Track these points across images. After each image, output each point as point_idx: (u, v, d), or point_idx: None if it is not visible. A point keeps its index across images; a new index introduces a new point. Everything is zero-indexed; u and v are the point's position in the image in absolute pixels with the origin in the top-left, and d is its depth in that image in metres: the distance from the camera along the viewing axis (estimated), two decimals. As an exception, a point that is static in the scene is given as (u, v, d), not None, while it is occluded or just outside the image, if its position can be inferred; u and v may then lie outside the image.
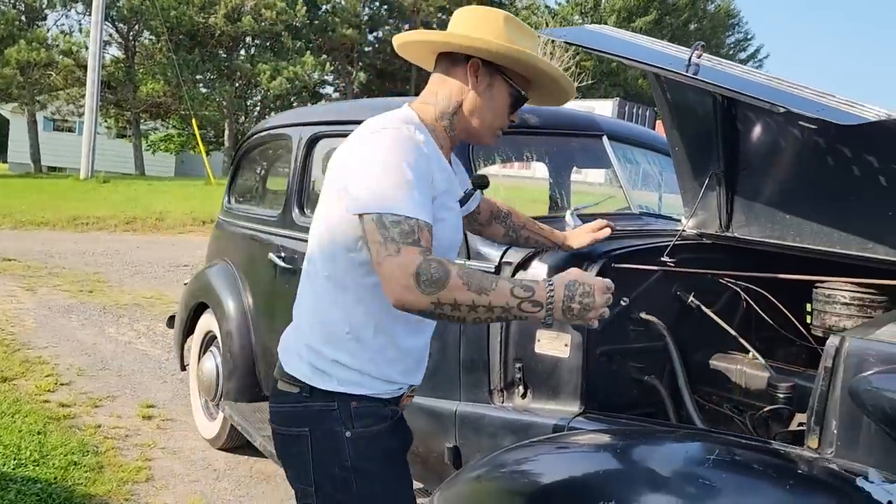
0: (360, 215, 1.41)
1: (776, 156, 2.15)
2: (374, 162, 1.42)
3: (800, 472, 1.44)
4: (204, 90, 25.47)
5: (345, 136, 3.06)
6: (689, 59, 1.94)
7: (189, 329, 3.96)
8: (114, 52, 24.94)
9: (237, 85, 25.34)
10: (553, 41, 17.82)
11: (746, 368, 2.19)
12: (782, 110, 1.68)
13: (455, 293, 1.34)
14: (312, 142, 3.09)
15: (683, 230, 2.37)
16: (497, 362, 2.25)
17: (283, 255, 3.10)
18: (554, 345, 2.15)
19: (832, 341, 1.67)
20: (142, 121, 25.87)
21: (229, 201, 3.91)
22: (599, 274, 2.09)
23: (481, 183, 1.73)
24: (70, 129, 27.74)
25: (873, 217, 1.95)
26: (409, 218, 1.38)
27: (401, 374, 1.61)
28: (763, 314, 2.26)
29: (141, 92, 23.87)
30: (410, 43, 1.66)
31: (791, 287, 2.24)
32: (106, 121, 25.82)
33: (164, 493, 3.20)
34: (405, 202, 1.38)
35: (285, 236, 3.14)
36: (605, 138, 2.75)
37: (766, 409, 2.01)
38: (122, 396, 4.44)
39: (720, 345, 2.33)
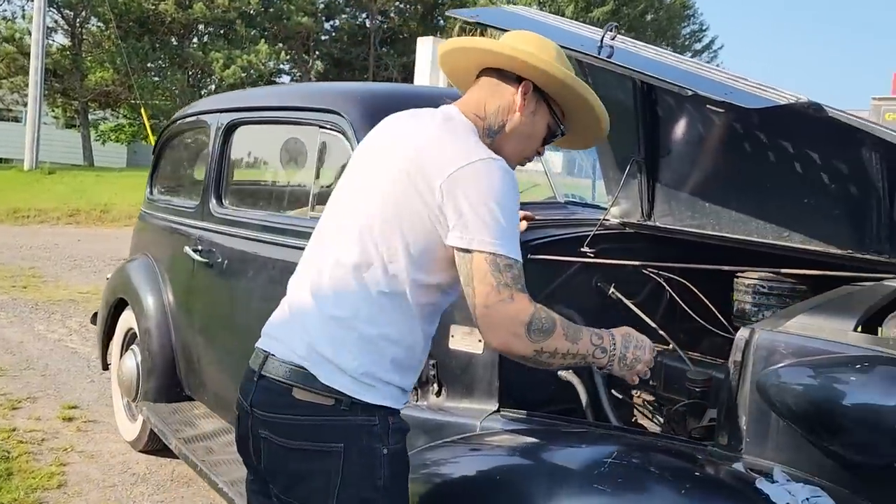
0: (467, 249, 1.34)
1: (696, 142, 2.09)
2: (493, 198, 1.35)
3: (697, 474, 1.37)
4: (156, 79, 24.79)
5: (263, 122, 2.99)
6: (601, 40, 1.85)
7: (111, 326, 3.79)
8: (60, 39, 24.11)
9: (189, 73, 24.74)
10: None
11: (667, 361, 2.12)
12: (690, 93, 1.60)
13: (557, 342, 1.37)
14: (230, 129, 2.94)
15: (605, 219, 2.30)
16: (411, 359, 2.15)
17: (200, 248, 2.95)
18: (468, 340, 2.06)
19: (741, 334, 1.61)
20: (91, 110, 25.06)
21: (151, 192, 3.74)
22: None
23: None
24: (16, 119, 26.75)
25: (789, 205, 1.90)
26: (517, 262, 1.36)
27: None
28: (685, 305, 2.20)
29: (89, 80, 23.07)
30: (463, 49, 1.57)
31: (717, 278, 2.19)
32: (53, 110, 24.96)
33: (75, 501, 3.04)
34: (516, 245, 1.37)
35: (203, 229, 2.99)
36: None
37: (681, 404, 1.94)
38: (44, 397, 4.24)
39: (644, 337, 2.26)
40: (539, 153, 1.61)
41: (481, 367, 2.03)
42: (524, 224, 2.07)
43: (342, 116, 2.34)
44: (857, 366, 1.39)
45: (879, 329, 1.64)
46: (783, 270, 1.87)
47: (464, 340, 2.06)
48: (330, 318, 1.43)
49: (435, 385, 2.12)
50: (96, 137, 25.31)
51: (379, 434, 1.42)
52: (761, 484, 1.33)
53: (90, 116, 25.13)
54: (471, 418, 1.99)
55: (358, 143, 2.29)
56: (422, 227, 1.40)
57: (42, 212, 12.56)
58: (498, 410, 1.98)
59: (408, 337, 1.45)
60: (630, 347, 1.48)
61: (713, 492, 1.33)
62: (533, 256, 2.05)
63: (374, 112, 2.39)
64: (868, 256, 1.78)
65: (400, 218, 1.40)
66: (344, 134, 2.34)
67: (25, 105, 20.62)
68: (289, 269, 2.51)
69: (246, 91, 3.99)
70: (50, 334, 5.63)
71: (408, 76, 23.54)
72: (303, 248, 2.47)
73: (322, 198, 2.53)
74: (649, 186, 2.22)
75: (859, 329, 1.72)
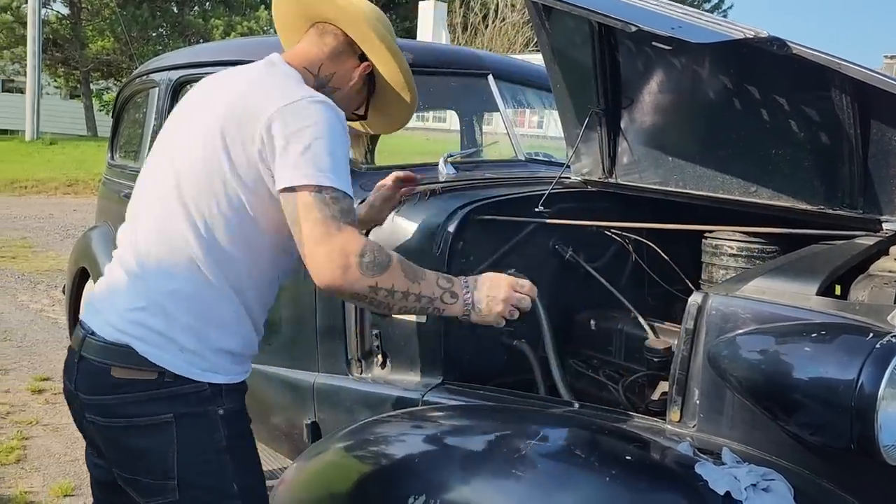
0: (293, 188, 1.28)
1: (658, 91, 1.90)
2: (319, 133, 1.31)
3: (629, 457, 1.22)
4: (157, 47, 24.51)
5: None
6: (547, -25, 1.67)
7: (77, 297, 3.67)
8: (59, 7, 23.83)
9: (190, 41, 24.43)
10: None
11: (627, 329, 1.96)
12: (634, 29, 1.42)
13: (394, 279, 1.29)
14: (178, 87, 2.78)
15: (563, 177, 2.12)
16: (353, 330, 2.01)
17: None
18: (410, 309, 1.91)
19: (694, 299, 1.45)
20: (93, 80, 24.87)
21: (112, 157, 3.60)
22: (459, 227, 1.85)
23: None
24: (20, 90, 26.61)
25: (756, 157, 1.72)
26: (347, 195, 1.31)
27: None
28: (648, 269, 2.04)
29: (89, 50, 22.85)
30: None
31: (689, 240, 2.02)
32: (55, 80, 24.80)
33: (32, 476, 2.94)
34: (346, 179, 1.32)
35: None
36: (490, 77, 2.47)
37: (637, 376, 1.79)
38: (18, 369, 4.15)
39: (609, 303, 2.11)
40: None
41: (425, 337, 1.89)
42: (404, 189, 1.89)
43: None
44: (815, 334, 1.23)
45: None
46: (747, 229, 1.70)
47: (407, 309, 1.91)
48: (148, 289, 1.36)
49: (379, 356, 1.99)
50: (100, 108, 25.12)
51: (210, 397, 1.38)
52: (702, 468, 1.18)
53: (93, 86, 24.95)
54: (414, 391, 1.85)
55: None
56: (239, 183, 1.34)
57: (40, 182, 12.47)
58: (442, 383, 1.85)
59: (228, 312, 1.39)
60: (484, 288, 1.39)
61: (643, 477, 1.18)
62: (481, 217, 1.89)
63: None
64: (840, 212, 1.61)
65: (212, 177, 1.35)
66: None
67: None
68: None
69: (196, 47, 3.80)
70: (33, 304, 5.55)
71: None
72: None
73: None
74: (610, 140, 2.04)
75: (837, 291, 1.57)
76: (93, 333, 1.38)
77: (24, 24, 20.02)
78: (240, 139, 1.33)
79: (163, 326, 1.34)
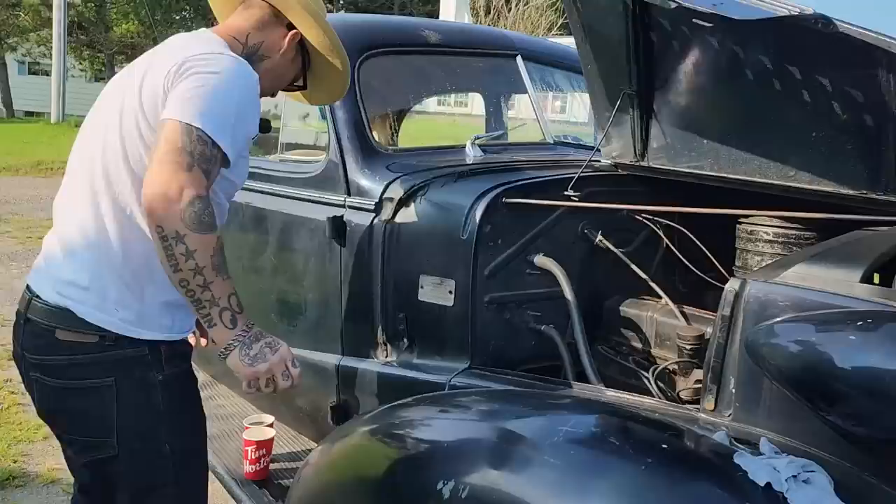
0: (168, 120, 1.31)
1: (693, 71, 1.84)
2: (215, 83, 1.36)
3: (665, 446, 1.19)
4: (181, 30, 24.63)
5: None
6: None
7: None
8: (84, -10, 24.00)
9: (213, 24, 24.50)
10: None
11: (658, 316, 1.93)
12: (674, 5, 1.38)
13: (200, 248, 1.27)
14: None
15: (593, 160, 2.08)
16: (378, 312, 1.99)
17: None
18: (437, 292, 1.89)
19: (731, 285, 1.41)
20: (118, 63, 25.06)
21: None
22: (488, 208, 1.83)
23: (264, 126, 1.69)
24: (46, 73, 26.87)
25: (796, 140, 1.66)
26: (216, 145, 1.32)
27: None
28: (680, 255, 1.99)
29: (114, 33, 23.05)
30: None
31: (722, 226, 1.97)
32: (80, 63, 25.01)
33: (59, 453, 2.93)
34: (223, 131, 1.33)
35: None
36: (519, 58, 2.42)
37: (668, 363, 1.76)
38: (44, 348, 4.20)
39: (638, 289, 2.07)
40: (273, 95, 1.69)
41: (452, 321, 1.87)
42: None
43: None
44: (860, 322, 1.19)
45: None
46: (787, 214, 1.64)
47: (433, 292, 1.89)
48: (84, 252, 1.42)
49: (405, 340, 1.97)
50: (124, 90, 25.31)
51: (150, 362, 1.44)
52: (740, 458, 1.15)
53: (117, 69, 25.11)
54: (440, 375, 1.83)
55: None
56: (152, 131, 1.37)
57: (66, 164, 12.55)
58: (469, 368, 1.83)
59: (156, 265, 1.39)
60: (261, 341, 1.38)
61: (680, 467, 1.15)
62: (509, 200, 1.86)
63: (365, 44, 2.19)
64: (885, 197, 1.55)
65: (132, 130, 1.40)
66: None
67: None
68: (257, 214, 2.38)
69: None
70: (59, 285, 5.60)
71: (434, 24, 22.85)
72: (265, 193, 2.35)
73: (289, 145, 2.37)
74: (642, 122, 1.98)
75: (876, 280, 1.52)
76: (38, 297, 1.44)
77: (50, 7, 20.19)
78: (151, 87, 1.39)
79: (98, 287, 1.39)
